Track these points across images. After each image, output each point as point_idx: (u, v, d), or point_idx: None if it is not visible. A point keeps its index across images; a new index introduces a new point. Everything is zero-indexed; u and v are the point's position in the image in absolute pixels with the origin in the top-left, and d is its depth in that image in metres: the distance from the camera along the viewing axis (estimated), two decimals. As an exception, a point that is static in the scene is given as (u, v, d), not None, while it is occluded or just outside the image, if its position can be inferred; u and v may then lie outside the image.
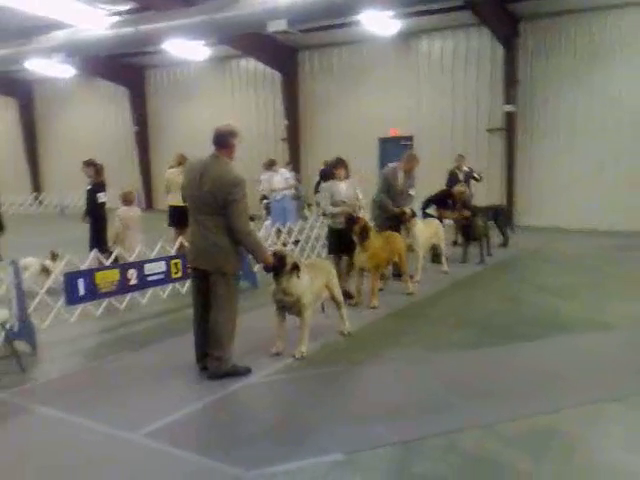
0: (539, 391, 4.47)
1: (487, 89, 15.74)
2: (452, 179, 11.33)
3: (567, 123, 14.74)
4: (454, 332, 6.05)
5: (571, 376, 4.77)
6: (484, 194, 13.98)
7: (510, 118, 15.28)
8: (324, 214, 7.35)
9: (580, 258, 10.50)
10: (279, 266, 4.99)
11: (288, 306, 5.22)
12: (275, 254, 5.04)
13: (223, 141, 4.66)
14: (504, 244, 11.40)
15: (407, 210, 8.13)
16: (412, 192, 8.34)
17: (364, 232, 6.78)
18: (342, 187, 7.20)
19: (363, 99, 17.39)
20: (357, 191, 7.37)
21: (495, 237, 11.09)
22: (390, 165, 8.50)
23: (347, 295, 6.85)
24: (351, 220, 6.92)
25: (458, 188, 10.42)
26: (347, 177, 7.36)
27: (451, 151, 14.79)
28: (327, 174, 7.38)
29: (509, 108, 15.17)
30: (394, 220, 8.16)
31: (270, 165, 12.42)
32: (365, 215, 7.56)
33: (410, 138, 16.86)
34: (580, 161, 14.57)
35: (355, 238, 6.87)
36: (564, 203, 14.73)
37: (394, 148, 17.00)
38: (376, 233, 7.24)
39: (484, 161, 15.60)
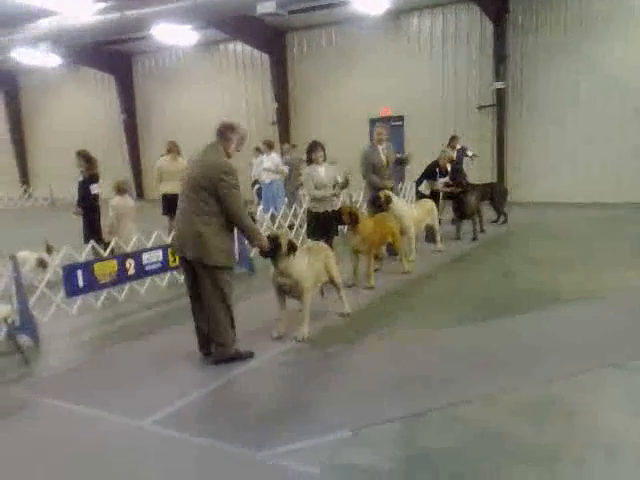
0: (538, 361, 4.57)
1: (477, 66, 15.73)
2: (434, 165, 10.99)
3: (557, 98, 14.77)
4: (451, 308, 6.14)
5: (569, 345, 4.87)
6: (476, 170, 14.04)
7: (500, 94, 15.30)
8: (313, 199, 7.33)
9: (571, 231, 10.64)
10: (275, 249, 5.03)
11: (288, 289, 5.27)
12: (270, 237, 5.08)
13: (222, 132, 4.75)
14: (503, 221, 11.44)
15: (381, 195, 8.15)
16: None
17: (353, 217, 6.93)
18: (321, 171, 7.20)
19: (353, 80, 17.32)
20: (336, 174, 7.37)
21: (489, 214, 11.19)
22: (366, 144, 8.70)
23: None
24: (337, 212, 7.07)
25: (442, 155, 10.42)
26: (325, 159, 7.34)
27: (442, 129, 14.82)
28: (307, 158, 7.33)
29: (499, 85, 15.19)
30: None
31: (268, 147, 12.28)
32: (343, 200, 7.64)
33: (401, 118, 16.85)
34: (570, 135, 14.65)
35: (347, 224, 7.06)
36: (555, 177, 14.83)
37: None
38: (367, 215, 7.42)
39: (475, 138, 15.63)
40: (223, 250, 4.63)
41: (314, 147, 7.29)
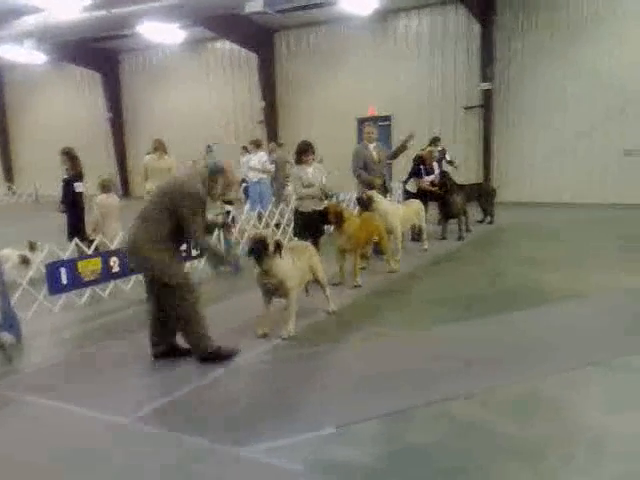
0: (523, 359, 4.58)
1: (464, 67, 15.83)
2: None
3: (543, 99, 14.90)
4: (436, 307, 6.15)
5: (553, 344, 4.89)
6: (462, 171, 14.10)
7: (487, 95, 15.41)
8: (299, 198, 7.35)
9: (558, 231, 10.72)
10: (261, 249, 4.99)
11: (273, 289, 5.23)
12: (255, 238, 5.06)
13: (212, 172, 4.65)
14: (490, 221, 11.49)
15: (363, 195, 8.26)
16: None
17: (338, 217, 6.92)
18: (309, 171, 7.19)
19: (340, 79, 17.35)
20: (322, 175, 7.34)
21: (475, 214, 11.25)
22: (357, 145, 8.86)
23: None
24: (323, 212, 7.02)
25: (426, 150, 10.46)
26: (314, 160, 7.41)
27: (429, 129, 14.86)
28: (297, 159, 7.32)
29: (486, 85, 15.30)
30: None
31: (256, 145, 12.26)
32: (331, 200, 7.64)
33: (388, 117, 16.89)
34: (556, 136, 14.78)
35: (332, 224, 7.06)
36: (541, 178, 14.96)
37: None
38: (353, 215, 7.47)
39: (462, 139, 15.74)
40: (169, 272, 4.54)
41: (305, 149, 7.26)
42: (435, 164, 10.46)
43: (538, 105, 14.98)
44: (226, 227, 5.81)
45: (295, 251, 5.55)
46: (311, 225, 7.14)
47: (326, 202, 7.30)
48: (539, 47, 14.78)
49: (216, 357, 4.70)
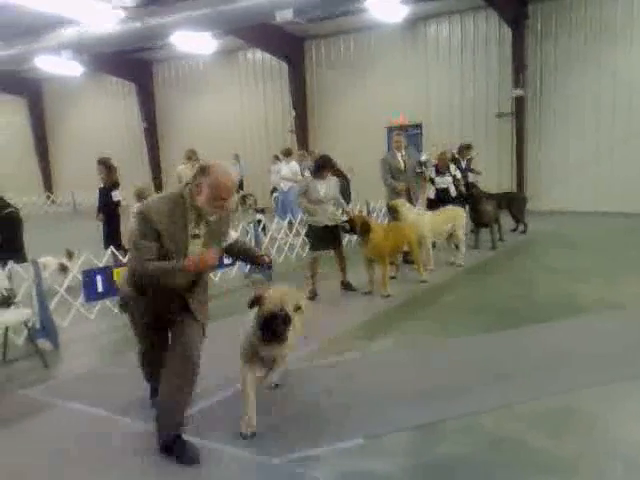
0: (556, 372, 4.51)
1: (496, 74, 15.67)
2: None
3: (577, 105, 14.65)
4: (468, 317, 6.10)
5: (586, 356, 4.80)
6: (495, 179, 13.97)
7: (519, 102, 15.21)
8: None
9: (592, 241, 10.50)
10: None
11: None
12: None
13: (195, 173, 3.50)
14: (523, 230, 11.30)
15: (390, 205, 8.35)
16: (423, 157, 8.66)
17: (364, 226, 6.97)
18: (321, 187, 7.04)
19: (371, 87, 17.36)
20: (336, 192, 7.22)
21: (508, 223, 11.12)
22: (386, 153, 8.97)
23: (348, 286, 7.31)
24: (350, 221, 7.07)
25: (438, 153, 10.23)
26: (332, 175, 7.34)
27: (460, 138, 14.73)
28: (316, 170, 7.22)
29: (518, 92, 15.10)
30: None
31: (286, 154, 12.36)
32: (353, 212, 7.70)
33: (419, 126, 16.83)
34: (590, 143, 14.50)
35: (358, 234, 7.09)
36: (575, 186, 14.68)
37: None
38: (379, 224, 7.63)
39: (494, 147, 15.57)
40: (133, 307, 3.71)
41: (325, 164, 7.19)
42: (452, 165, 10.22)
43: (571, 112, 14.73)
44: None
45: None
46: (325, 238, 7.11)
47: (344, 216, 7.33)
48: (572, 52, 14.55)
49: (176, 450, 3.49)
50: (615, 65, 14.01)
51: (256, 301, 3.63)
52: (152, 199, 3.59)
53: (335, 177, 7.54)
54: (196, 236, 3.51)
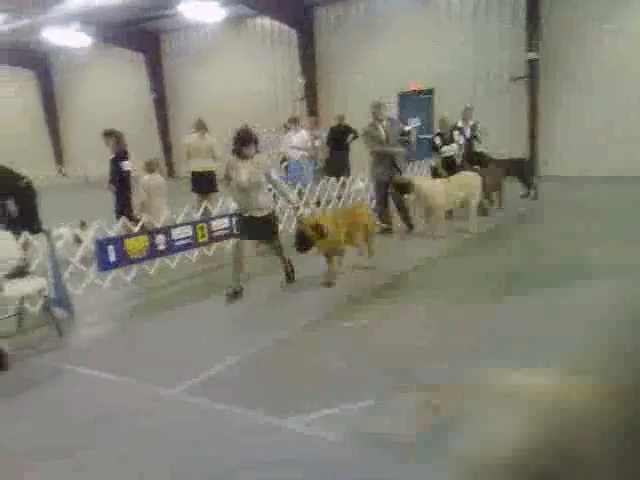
0: (570, 335, 4.49)
1: (509, 37, 15.31)
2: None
3: (592, 68, 14.31)
4: (478, 283, 6.09)
5: (599, 321, 4.75)
6: (507, 144, 13.77)
7: (533, 66, 14.89)
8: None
9: (605, 206, 10.36)
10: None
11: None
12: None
13: None
14: (534, 197, 11.17)
15: (400, 181, 8.35)
16: (407, 127, 8.54)
17: (319, 230, 5.96)
18: (245, 170, 5.82)
19: (382, 54, 17.07)
20: (273, 174, 5.95)
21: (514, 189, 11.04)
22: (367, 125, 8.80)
23: (290, 278, 6.49)
24: (301, 235, 6.04)
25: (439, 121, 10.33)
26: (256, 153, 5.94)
27: (473, 102, 14.47)
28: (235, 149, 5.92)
29: (532, 55, 14.77)
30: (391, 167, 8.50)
31: (293, 122, 12.27)
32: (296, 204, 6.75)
33: (430, 91, 16.59)
34: (606, 106, 14.20)
35: (315, 241, 6.03)
36: (590, 151, 14.44)
37: (414, 102, 16.77)
38: (328, 216, 6.50)
39: (507, 111, 15.32)
40: None
41: (246, 140, 5.82)
42: (456, 132, 10.16)
43: (587, 75, 14.39)
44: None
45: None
46: (253, 231, 5.98)
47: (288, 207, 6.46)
48: (587, 13, 14.14)
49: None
50: (632, 28, 13.62)
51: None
52: None
53: (264, 156, 6.16)
54: None
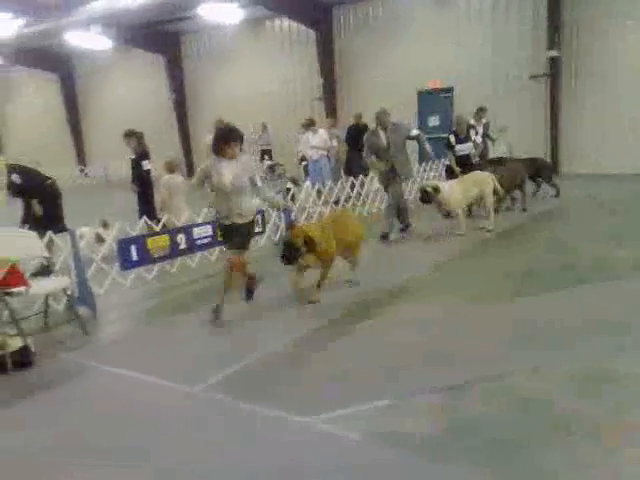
0: (590, 336, 4.44)
1: (530, 34, 15.14)
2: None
3: (614, 66, 14.09)
4: (499, 282, 6.05)
5: (623, 321, 4.71)
6: (528, 143, 13.64)
7: (554, 63, 14.72)
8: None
9: (627, 204, 10.19)
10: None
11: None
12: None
13: None
14: (556, 195, 11.02)
15: (427, 189, 8.34)
16: (413, 133, 8.50)
17: (308, 242, 5.56)
18: (226, 170, 5.21)
19: (400, 52, 17.00)
20: (255, 178, 5.38)
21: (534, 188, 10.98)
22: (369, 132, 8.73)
23: (249, 294, 5.95)
24: (287, 247, 5.57)
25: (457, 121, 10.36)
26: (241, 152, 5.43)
27: (493, 100, 14.39)
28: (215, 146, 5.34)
29: (553, 53, 14.60)
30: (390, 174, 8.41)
31: (308, 125, 12.38)
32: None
33: (450, 89, 16.49)
34: (630, 103, 13.97)
35: (305, 252, 5.57)
36: (611, 148, 14.24)
37: (433, 101, 16.69)
38: (317, 225, 6.09)
39: (527, 109, 15.17)
40: None
41: (229, 137, 5.23)
42: (472, 131, 10.14)
43: (609, 73, 14.17)
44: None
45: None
46: (233, 237, 5.43)
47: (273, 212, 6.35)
48: (610, 10, 13.92)
49: None
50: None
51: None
52: None
53: (248, 157, 5.80)
54: None
